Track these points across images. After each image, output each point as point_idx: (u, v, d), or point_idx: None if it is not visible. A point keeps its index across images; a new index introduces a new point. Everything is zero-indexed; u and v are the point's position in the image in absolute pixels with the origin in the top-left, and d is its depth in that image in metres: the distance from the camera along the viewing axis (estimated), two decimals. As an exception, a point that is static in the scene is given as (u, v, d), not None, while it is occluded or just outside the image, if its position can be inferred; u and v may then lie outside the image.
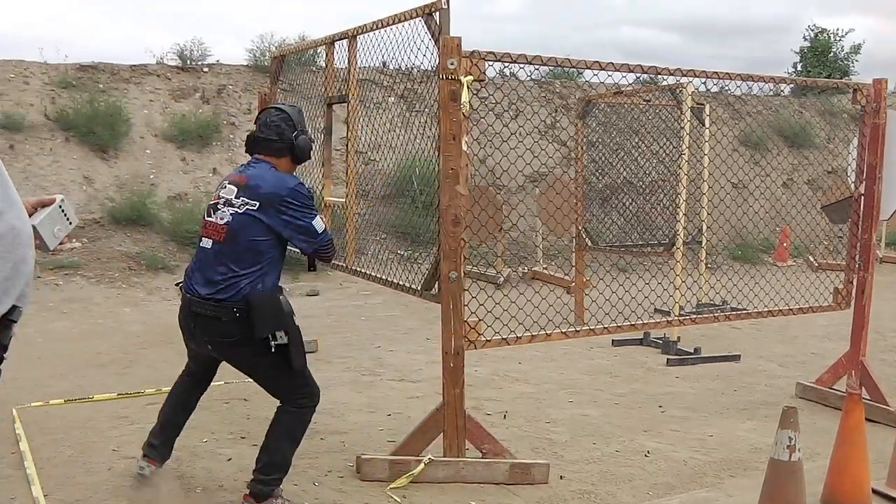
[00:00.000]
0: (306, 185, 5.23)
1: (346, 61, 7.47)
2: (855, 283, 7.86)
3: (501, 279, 13.29)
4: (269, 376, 5.28)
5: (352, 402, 7.67)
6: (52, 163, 14.73)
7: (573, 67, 6.38)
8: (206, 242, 5.15)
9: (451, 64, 5.59)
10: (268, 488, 5.21)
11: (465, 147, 5.67)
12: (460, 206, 5.65)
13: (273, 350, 5.02)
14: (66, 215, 3.56)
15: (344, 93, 7.54)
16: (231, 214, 5.04)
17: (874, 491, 5.75)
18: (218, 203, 5.15)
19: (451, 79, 5.61)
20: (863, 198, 7.76)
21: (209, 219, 5.18)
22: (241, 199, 5.05)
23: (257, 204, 4.99)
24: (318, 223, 5.12)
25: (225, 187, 5.18)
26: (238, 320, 4.97)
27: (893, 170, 7.66)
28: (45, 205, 3.53)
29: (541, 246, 14.69)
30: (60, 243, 3.59)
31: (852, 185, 8.04)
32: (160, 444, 5.59)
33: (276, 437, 5.29)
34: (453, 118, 5.62)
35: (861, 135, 7.81)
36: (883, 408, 7.45)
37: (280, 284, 5.23)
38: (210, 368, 5.69)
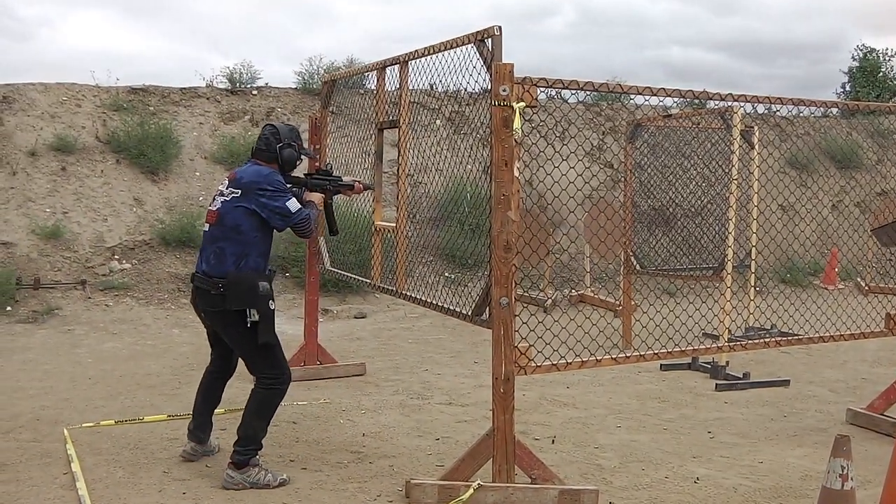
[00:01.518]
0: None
1: (397, 86, 7.52)
2: (906, 308, 7.78)
3: (549, 302, 13.27)
4: (244, 351, 6.19)
5: (400, 426, 7.68)
6: (103, 184, 14.90)
7: (625, 93, 6.38)
8: (206, 227, 6.31)
9: (504, 91, 5.61)
10: (244, 458, 6.05)
11: (516, 173, 5.68)
12: (512, 233, 5.66)
13: (248, 326, 5.97)
14: None
15: (395, 118, 7.58)
16: (221, 202, 6.17)
17: (929, 521, 5.68)
18: (215, 195, 6.32)
19: (504, 105, 5.63)
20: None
21: (209, 208, 6.34)
22: (230, 189, 6.18)
23: (240, 191, 6.10)
24: (292, 204, 6.12)
25: (222, 183, 6.35)
26: (221, 294, 6.03)
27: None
28: None
29: (588, 269, 14.66)
30: None
31: (904, 210, 7.97)
32: (195, 429, 6.65)
33: (247, 413, 6.13)
34: (505, 144, 5.63)
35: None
36: (937, 435, 7.37)
37: (271, 269, 6.29)
38: (227, 358, 6.66)
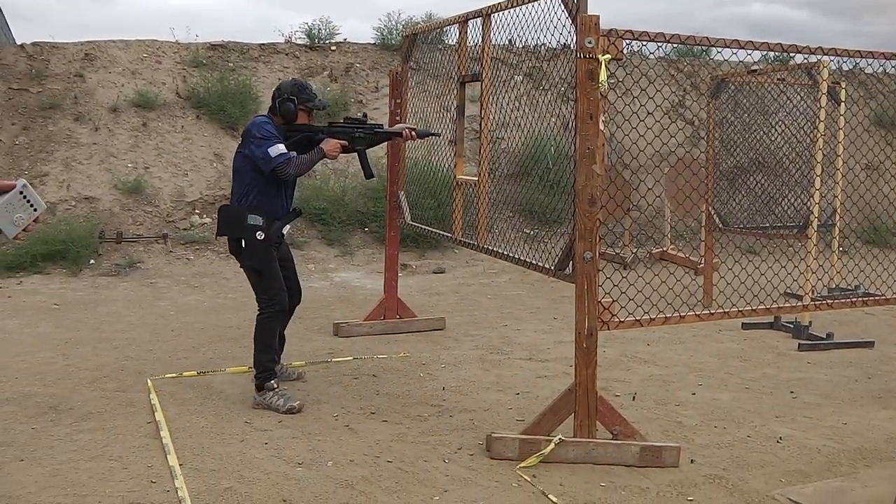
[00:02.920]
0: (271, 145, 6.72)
1: (479, 39, 7.47)
2: None
3: (630, 259, 13.16)
4: (247, 276, 7.07)
5: (481, 381, 7.69)
6: (183, 140, 15.05)
7: (711, 46, 6.26)
8: None
9: (590, 42, 5.54)
10: (259, 381, 6.82)
11: (601, 126, 5.62)
12: (596, 187, 5.61)
13: (244, 254, 6.88)
14: (28, 202, 3.52)
15: (477, 72, 7.53)
16: (237, 151, 7.02)
17: None
18: None
19: (589, 57, 5.56)
20: None
21: None
22: (241, 139, 7.01)
23: (242, 139, 6.95)
24: (273, 149, 6.66)
25: None
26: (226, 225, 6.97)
27: None
28: (3, 191, 3.51)
29: (670, 226, 14.51)
30: (25, 230, 3.55)
31: None
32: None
33: (254, 342, 6.92)
34: (590, 97, 5.57)
35: None
36: None
37: (294, 209, 7.17)
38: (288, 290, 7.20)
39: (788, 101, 11.22)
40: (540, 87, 17.16)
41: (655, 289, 6.47)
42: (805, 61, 9.96)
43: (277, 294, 6.90)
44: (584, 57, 5.58)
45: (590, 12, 5.64)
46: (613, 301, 5.81)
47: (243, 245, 6.83)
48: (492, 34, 7.33)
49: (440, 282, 12.60)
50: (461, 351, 8.68)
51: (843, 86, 11.00)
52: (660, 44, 6.04)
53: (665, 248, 13.96)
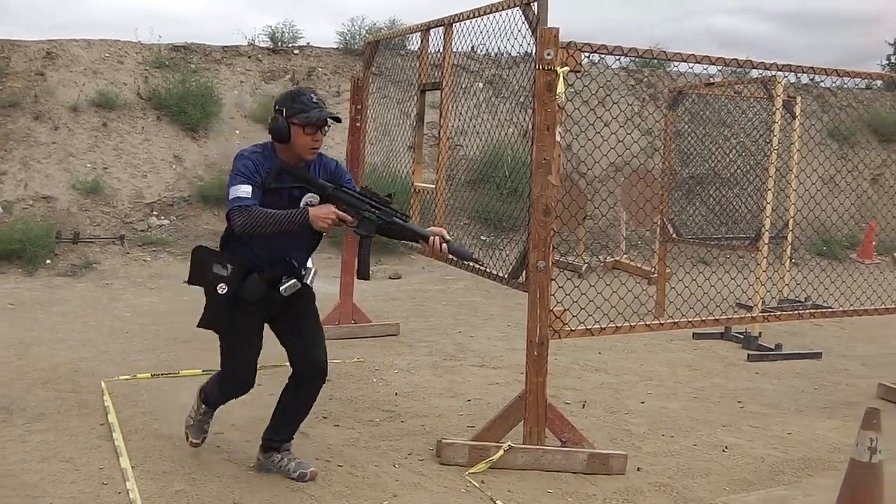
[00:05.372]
0: (251, 157, 5.11)
1: (440, 47, 7.54)
2: (944, 284, 7.76)
3: (583, 268, 13.28)
4: None
5: (433, 387, 7.76)
6: (143, 141, 15.02)
7: (668, 60, 6.39)
8: None
9: (549, 55, 5.63)
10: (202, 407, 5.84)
11: (558, 137, 5.71)
12: (551, 197, 5.69)
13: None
14: None
15: (438, 79, 7.60)
16: None
17: (957, 496, 5.71)
18: None
19: (548, 69, 5.65)
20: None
21: None
22: None
23: None
24: (235, 190, 4.96)
25: None
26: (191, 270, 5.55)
27: None
28: None
29: (624, 235, 14.65)
30: None
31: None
32: None
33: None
34: (548, 108, 5.66)
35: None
36: (968, 412, 7.37)
37: (283, 261, 5.25)
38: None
39: (745, 114, 11.38)
40: (500, 94, 17.27)
41: (607, 298, 6.58)
42: (762, 75, 10.11)
43: (233, 371, 5.49)
44: (543, 69, 5.66)
45: (551, 24, 5.74)
46: (565, 310, 5.90)
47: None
48: (455, 41, 7.40)
49: (396, 287, 12.65)
50: (415, 357, 8.75)
51: (799, 100, 11.16)
52: (617, 56, 6.16)
53: (619, 258, 14.10)
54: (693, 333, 10.06)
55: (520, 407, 5.87)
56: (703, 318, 6.77)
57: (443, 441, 5.98)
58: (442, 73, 7.50)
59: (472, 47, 7.41)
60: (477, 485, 5.59)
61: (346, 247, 9.54)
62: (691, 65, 6.72)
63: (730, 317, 7.20)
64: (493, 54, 16.62)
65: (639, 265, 13.51)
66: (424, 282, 13.18)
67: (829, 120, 18.89)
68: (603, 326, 6.19)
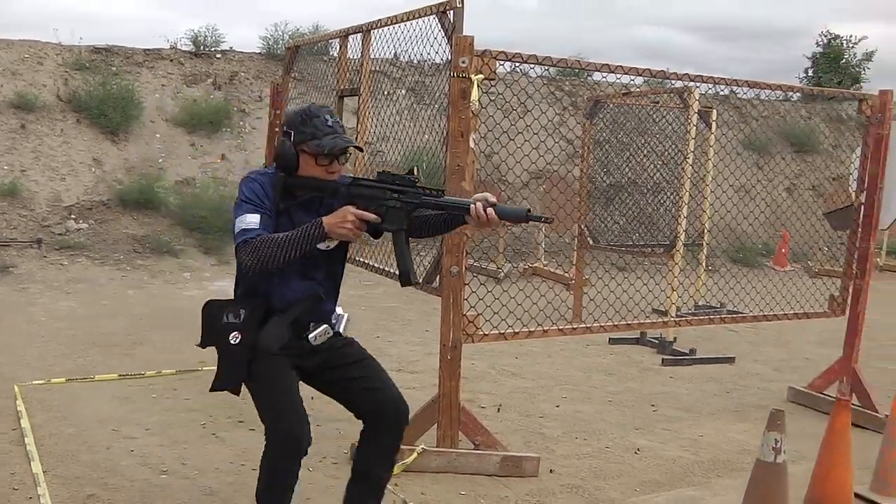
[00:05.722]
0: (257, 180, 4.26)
1: (360, 54, 7.57)
2: (851, 290, 7.95)
3: (502, 274, 13.37)
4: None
5: (354, 391, 7.76)
6: (62, 143, 14.85)
7: (582, 69, 6.50)
8: None
9: (463, 62, 5.69)
10: None
11: (472, 144, 5.77)
12: (464, 203, 5.75)
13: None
14: None
15: (356, 85, 7.64)
16: None
17: (857, 495, 5.85)
18: None
19: (462, 77, 5.72)
20: (863, 206, 7.85)
21: None
22: None
23: None
24: (241, 221, 4.13)
25: None
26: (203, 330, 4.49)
27: (894, 180, 7.75)
28: None
29: (542, 242, 14.77)
30: None
31: (853, 194, 8.13)
32: None
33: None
34: (462, 115, 5.72)
35: (864, 144, 7.91)
36: (873, 414, 7.55)
37: (283, 307, 4.33)
38: None
39: (662, 123, 11.55)
40: (422, 101, 17.33)
41: (520, 303, 6.65)
42: (681, 86, 10.29)
43: (279, 418, 4.27)
44: (458, 76, 5.73)
45: (471, 32, 5.79)
46: (478, 314, 5.97)
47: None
48: (375, 48, 7.43)
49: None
50: (333, 361, 8.74)
51: (714, 110, 11.36)
52: (532, 65, 6.25)
53: (537, 264, 14.22)
54: (609, 339, 10.19)
55: (433, 410, 5.92)
56: (616, 323, 6.88)
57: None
58: (360, 78, 7.54)
59: (395, 54, 7.45)
60: (391, 487, 5.61)
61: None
62: (618, 76, 6.83)
63: (642, 321, 7.33)
64: (415, 61, 16.67)
65: (555, 271, 13.63)
66: (344, 287, 13.11)
67: (746, 131, 19.21)
68: (516, 331, 6.26)
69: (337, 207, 4.18)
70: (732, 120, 20.05)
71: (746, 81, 7.50)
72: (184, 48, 17.79)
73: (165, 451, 5.99)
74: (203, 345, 4.48)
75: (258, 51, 18.45)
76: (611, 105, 11.54)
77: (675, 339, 10.10)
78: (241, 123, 16.62)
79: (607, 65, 6.49)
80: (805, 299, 8.22)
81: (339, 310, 4.61)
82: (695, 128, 10.31)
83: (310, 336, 4.37)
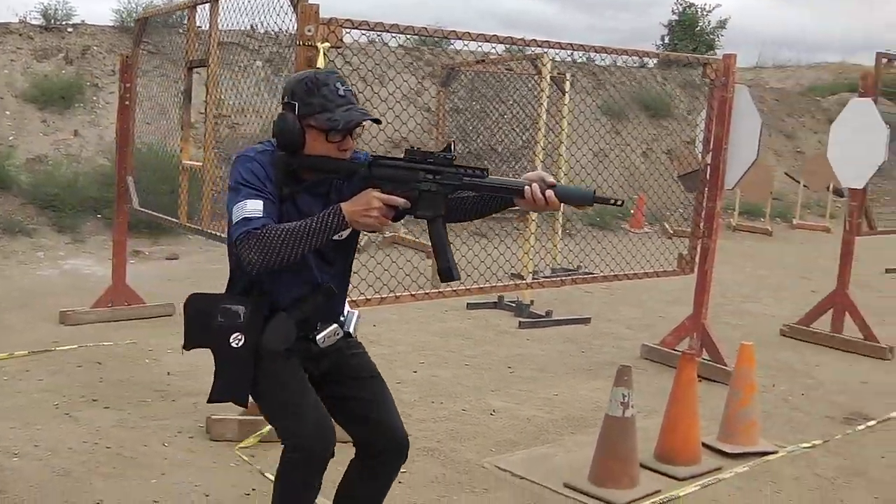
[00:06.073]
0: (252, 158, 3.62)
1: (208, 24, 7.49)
2: (699, 249, 8.18)
3: (363, 242, 13.35)
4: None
5: (207, 365, 7.51)
6: None
7: (429, 36, 6.57)
8: None
9: (309, 31, 5.69)
10: None
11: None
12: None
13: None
14: None
15: (204, 56, 7.54)
16: None
17: (705, 445, 6.06)
18: None
19: (309, 45, 5.70)
20: (709, 168, 8.07)
21: None
22: None
23: None
24: (241, 208, 3.49)
25: None
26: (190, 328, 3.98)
27: (738, 141, 7.97)
28: None
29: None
30: None
31: (699, 156, 8.35)
32: None
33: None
34: (309, 84, 5.70)
35: (709, 107, 8.12)
36: (722, 368, 7.78)
37: (287, 305, 3.74)
38: None
39: (521, 90, 11.68)
40: (280, 72, 17.16)
41: (379, 276, 6.69)
42: (535, 53, 10.41)
43: (297, 428, 3.75)
44: (304, 45, 5.71)
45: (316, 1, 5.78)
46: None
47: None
48: (231, 19, 7.36)
49: (174, 268, 12.44)
50: (191, 336, 8.65)
51: (568, 76, 11.50)
52: (379, 32, 6.27)
53: (398, 233, 14.25)
54: (467, 304, 10.29)
55: (289, 379, 5.91)
56: (468, 287, 6.96)
57: (212, 417, 5.98)
58: (208, 49, 7.45)
59: (252, 26, 7.37)
60: (247, 458, 5.63)
61: (116, 228, 9.36)
62: (479, 44, 6.87)
63: (493, 285, 7.42)
64: (272, 32, 16.50)
65: (416, 239, 13.68)
66: (203, 261, 12.99)
67: (603, 98, 19.51)
68: (368, 297, 6.29)
69: (348, 192, 3.63)
70: (591, 86, 20.34)
71: (603, 48, 7.71)
72: (34, 22, 17.29)
73: (17, 434, 5.86)
74: (188, 346, 3.94)
75: (111, 24, 18.05)
76: (466, 73, 11.61)
77: (532, 302, 10.25)
78: (95, 98, 16.24)
79: (454, 31, 6.59)
80: (658, 259, 8.43)
81: (346, 307, 4.03)
82: (548, 94, 10.44)
83: (318, 337, 3.79)
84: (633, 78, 22.57)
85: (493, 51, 16.90)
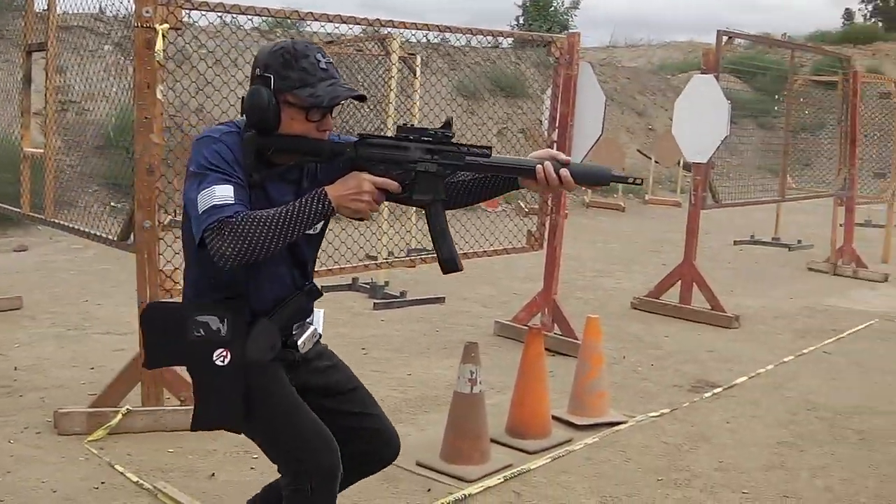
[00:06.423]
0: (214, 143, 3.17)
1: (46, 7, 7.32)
2: (547, 225, 8.31)
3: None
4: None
5: (55, 358, 7.54)
6: None
7: (272, 16, 6.51)
8: None
9: (147, 12, 5.60)
10: None
11: (160, 96, 5.68)
12: (155, 156, 5.67)
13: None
14: None
15: (42, 40, 7.36)
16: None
17: (555, 418, 6.18)
18: None
19: (147, 27, 5.61)
20: (555, 144, 8.19)
21: None
22: None
23: None
24: (208, 195, 3.02)
25: None
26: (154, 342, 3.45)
27: (584, 118, 8.12)
28: None
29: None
30: None
31: (545, 133, 8.47)
32: None
33: None
34: (147, 66, 5.63)
35: (555, 85, 8.24)
36: (573, 342, 7.91)
37: (267, 309, 3.33)
38: None
39: (376, 71, 11.66)
40: (130, 56, 16.83)
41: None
42: (387, 33, 10.42)
43: (302, 445, 3.31)
44: (142, 26, 5.62)
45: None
46: (176, 269, 5.89)
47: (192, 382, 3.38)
48: (72, 1, 7.17)
49: (22, 260, 12.12)
50: (38, 329, 8.45)
51: (419, 56, 11.53)
52: (220, 14, 6.21)
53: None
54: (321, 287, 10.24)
55: (135, 369, 5.84)
56: (317, 270, 6.92)
57: (59, 411, 5.86)
58: (46, 34, 7.28)
59: (101, 8, 7.22)
60: (96, 452, 5.53)
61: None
62: (336, 25, 6.84)
63: (343, 266, 7.41)
64: (121, 15, 16.17)
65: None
66: (52, 252, 12.69)
67: (458, 78, 19.63)
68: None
69: (324, 177, 3.28)
70: (447, 67, 20.44)
71: (458, 28, 7.77)
72: None
73: None
74: (153, 365, 3.49)
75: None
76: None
77: (387, 283, 10.28)
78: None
79: (297, 11, 6.54)
80: (513, 237, 8.53)
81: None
82: (398, 74, 10.46)
83: (298, 341, 3.42)
84: (488, 58, 22.75)
85: (349, 31, 16.91)
